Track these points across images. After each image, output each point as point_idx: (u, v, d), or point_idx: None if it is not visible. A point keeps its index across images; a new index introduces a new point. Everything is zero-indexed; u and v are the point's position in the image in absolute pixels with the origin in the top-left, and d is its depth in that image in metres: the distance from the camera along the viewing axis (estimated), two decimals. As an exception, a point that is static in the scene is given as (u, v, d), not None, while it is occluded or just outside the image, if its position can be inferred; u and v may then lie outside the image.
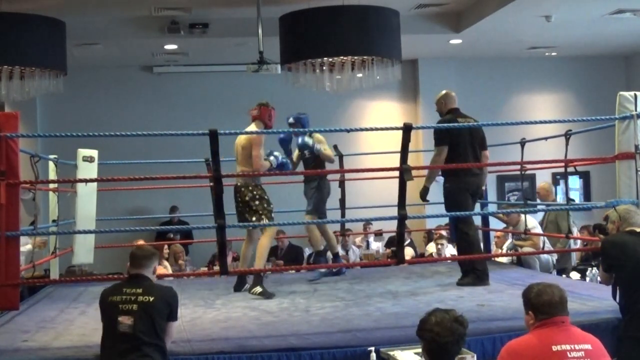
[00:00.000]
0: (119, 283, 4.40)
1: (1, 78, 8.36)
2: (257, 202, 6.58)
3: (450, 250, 9.62)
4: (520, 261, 8.35)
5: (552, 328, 3.48)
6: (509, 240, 9.07)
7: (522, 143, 7.43)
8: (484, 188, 7.42)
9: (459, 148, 6.61)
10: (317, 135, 7.46)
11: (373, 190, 10.52)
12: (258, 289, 6.40)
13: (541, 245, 8.25)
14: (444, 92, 7.11)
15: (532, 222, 8.43)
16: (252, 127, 6.86)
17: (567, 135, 6.58)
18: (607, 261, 4.83)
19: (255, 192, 6.59)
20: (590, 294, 5.72)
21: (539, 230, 8.35)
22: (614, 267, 4.76)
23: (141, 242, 8.59)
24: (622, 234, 4.78)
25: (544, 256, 8.48)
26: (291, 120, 7.51)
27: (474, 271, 6.60)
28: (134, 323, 4.11)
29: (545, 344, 3.41)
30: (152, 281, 4.38)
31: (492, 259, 8.40)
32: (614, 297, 4.81)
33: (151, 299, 4.19)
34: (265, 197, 6.67)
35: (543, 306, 3.53)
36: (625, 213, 4.85)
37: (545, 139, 7.34)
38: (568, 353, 3.37)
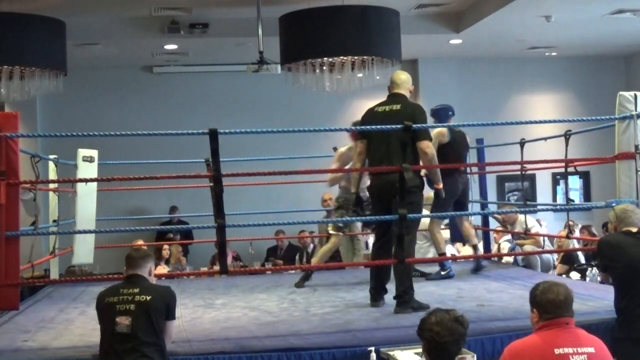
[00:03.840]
0: (116, 284, 4.40)
1: (1, 78, 8.36)
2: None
3: (450, 249, 9.61)
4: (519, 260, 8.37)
5: (556, 330, 3.46)
6: (507, 237, 9.09)
7: (522, 143, 7.43)
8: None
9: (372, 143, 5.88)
10: (437, 130, 7.13)
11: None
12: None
13: (542, 245, 8.27)
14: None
15: (531, 221, 8.44)
16: None
17: (567, 136, 6.58)
18: (603, 261, 4.85)
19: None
20: (590, 294, 5.72)
21: (537, 229, 8.37)
22: (609, 268, 4.77)
23: (140, 242, 8.60)
24: (617, 235, 4.77)
25: (545, 255, 8.50)
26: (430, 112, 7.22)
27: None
28: (132, 323, 4.11)
29: (548, 346, 3.38)
30: (149, 281, 4.39)
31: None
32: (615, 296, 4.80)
33: (148, 298, 4.19)
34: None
35: (547, 305, 3.50)
36: (622, 213, 4.82)
37: (545, 139, 7.34)
38: (571, 356, 3.35)
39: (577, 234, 9.05)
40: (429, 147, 5.67)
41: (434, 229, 7.37)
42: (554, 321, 3.47)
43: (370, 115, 5.94)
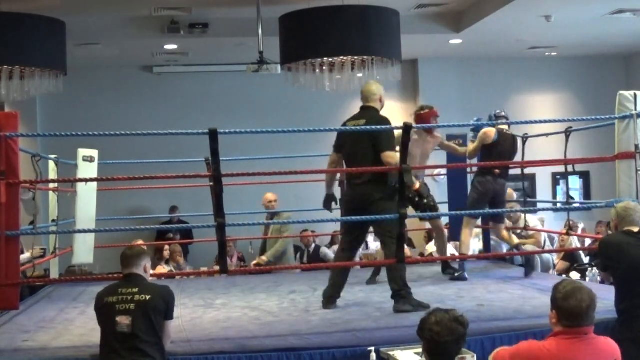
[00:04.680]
0: (114, 284, 4.39)
1: (1, 78, 8.35)
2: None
3: (450, 249, 9.60)
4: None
5: (574, 340, 3.36)
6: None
7: (525, 139, 7.44)
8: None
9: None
10: (485, 131, 7.16)
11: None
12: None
13: (543, 244, 8.27)
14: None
15: (533, 221, 8.43)
16: None
17: (568, 133, 6.58)
18: (603, 261, 4.83)
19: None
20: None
21: (540, 228, 8.37)
22: (609, 268, 4.75)
23: (140, 242, 8.60)
24: (618, 234, 4.75)
25: (545, 255, 8.49)
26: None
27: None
28: (132, 322, 4.12)
29: (562, 358, 3.32)
30: (147, 280, 4.38)
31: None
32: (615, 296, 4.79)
33: (148, 297, 4.19)
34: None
35: (568, 312, 3.37)
36: (624, 211, 4.79)
37: (547, 135, 7.36)
38: None
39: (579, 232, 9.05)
40: (390, 158, 5.65)
41: (462, 229, 7.26)
42: (573, 330, 3.36)
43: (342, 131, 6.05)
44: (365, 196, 5.71)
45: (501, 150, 7.13)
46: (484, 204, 7.11)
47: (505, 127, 7.27)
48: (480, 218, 8.28)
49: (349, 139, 5.86)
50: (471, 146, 7.31)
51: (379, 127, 5.69)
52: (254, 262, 9.24)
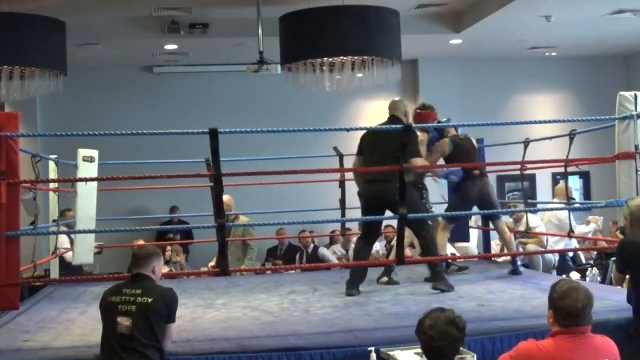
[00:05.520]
0: (120, 283, 4.39)
1: (1, 78, 8.35)
2: None
3: (449, 249, 9.61)
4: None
5: (572, 339, 3.37)
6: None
7: (526, 143, 7.43)
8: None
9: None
10: (438, 144, 7.36)
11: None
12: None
13: (545, 244, 8.26)
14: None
15: (536, 220, 8.43)
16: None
17: (572, 135, 6.58)
18: (624, 262, 4.70)
19: None
20: (590, 294, 5.71)
21: (542, 229, 8.36)
22: (630, 268, 4.65)
23: (141, 242, 8.60)
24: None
25: (547, 255, 8.49)
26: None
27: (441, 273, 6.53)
28: (132, 324, 4.11)
29: (560, 358, 3.33)
30: (154, 281, 4.36)
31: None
32: (629, 301, 4.72)
33: (150, 300, 4.18)
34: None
35: (564, 312, 3.39)
36: (638, 210, 4.67)
37: (550, 138, 7.35)
38: None
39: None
40: (417, 163, 6.16)
41: (438, 233, 7.28)
42: (570, 329, 3.38)
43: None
44: (389, 192, 6.01)
45: (463, 152, 7.20)
46: (464, 209, 7.19)
47: (452, 131, 7.39)
48: (481, 219, 8.32)
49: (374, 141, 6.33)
50: (429, 157, 7.21)
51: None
52: (211, 263, 9.20)
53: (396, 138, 5.83)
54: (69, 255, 8.10)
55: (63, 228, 7.66)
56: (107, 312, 4.24)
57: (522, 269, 7.63)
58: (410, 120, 6.65)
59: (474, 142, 7.50)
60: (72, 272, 8.53)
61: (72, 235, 7.54)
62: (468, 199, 7.22)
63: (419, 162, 6.21)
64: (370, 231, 6.69)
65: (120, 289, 4.28)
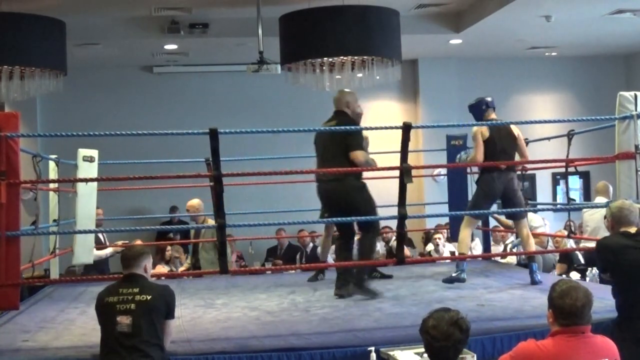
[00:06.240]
0: (114, 284, 4.38)
1: (1, 78, 8.36)
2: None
3: (449, 248, 9.62)
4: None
5: (571, 339, 3.38)
6: (511, 239, 9.07)
7: (526, 143, 7.42)
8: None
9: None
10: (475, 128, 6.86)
11: (373, 190, 10.50)
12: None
13: (546, 245, 8.26)
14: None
15: (538, 221, 8.43)
16: None
17: (570, 135, 6.58)
18: (602, 264, 4.77)
19: None
20: (590, 294, 5.71)
21: (544, 229, 8.36)
22: (609, 270, 4.72)
23: (138, 242, 8.63)
24: (616, 236, 4.68)
25: (548, 255, 8.48)
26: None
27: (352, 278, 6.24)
28: (133, 322, 4.11)
29: (560, 357, 3.33)
30: (148, 280, 4.37)
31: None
32: (614, 296, 4.79)
33: (148, 297, 4.19)
34: None
35: (564, 311, 3.40)
36: (618, 211, 4.71)
37: (549, 139, 7.34)
38: None
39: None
40: (357, 157, 6.01)
41: (462, 228, 6.85)
42: (569, 329, 3.39)
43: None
44: (332, 191, 6.17)
45: (500, 143, 6.68)
46: (488, 204, 6.78)
47: (494, 115, 7.01)
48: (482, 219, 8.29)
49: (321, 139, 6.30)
50: (472, 153, 6.88)
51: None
52: (182, 268, 9.26)
53: (337, 136, 5.99)
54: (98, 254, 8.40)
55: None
56: (105, 313, 4.24)
57: (527, 270, 7.61)
58: (358, 111, 6.44)
59: (516, 131, 6.88)
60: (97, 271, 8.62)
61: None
62: (494, 194, 6.72)
63: (359, 155, 6.04)
64: (343, 231, 6.49)
65: (116, 289, 4.28)
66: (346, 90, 6.62)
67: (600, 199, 7.90)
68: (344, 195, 6.12)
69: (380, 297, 6.02)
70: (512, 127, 6.81)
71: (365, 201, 6.20)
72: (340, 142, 6.05)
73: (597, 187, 8.22)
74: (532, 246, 6.82)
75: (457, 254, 7.34)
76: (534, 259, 6.66)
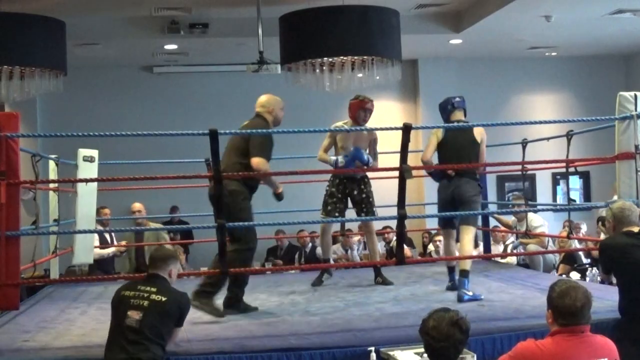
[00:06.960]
0: (136, 281, 4.47)
1: (1, 78, 8.35)
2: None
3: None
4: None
5: (571, 338, 3.39)
6: (511, 239, 9.07)
7: (524, 144, 7.42)
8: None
9: None
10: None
11: (373, 190, 10.53)
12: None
13: (546, 245, 8.26)
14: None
15: (538, 221, 8.43)
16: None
17: (569, 136, 6.58)
18: (606, 264, 4.78)
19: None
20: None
21: (544, 229, 8.36)
22: (612, 270, 4.73)
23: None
24: (619, 236, 4.69)
25: (548, 255, 8.49)
26: None
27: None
28: (142, 318, 4.15)
29: (559, 357, 3.34)
30: (169, 283, 4.40)
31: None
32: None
33: (164, 299, 4.23)
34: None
35: (563, 311, 3.41)
36: (620, 212, 4.74)
37: (547, 139, 7.34)
38: None
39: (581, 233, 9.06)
40: (257, 165, 5.81)
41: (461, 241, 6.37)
42: (569, 329, 3.40)
43: None
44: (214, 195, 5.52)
45: (451, 146, 6.24)
46: (447, 210, 6.27)
47: (460, 116, 6.41)
48: (481, 219, 8.28)
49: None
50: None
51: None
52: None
53: (240, 138, 5.77)
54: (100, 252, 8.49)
55: (99, 227, 8.05)
56: (118, 306, 4.28)
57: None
58: (280, 116, 6.04)
59: (475, 133, 6.28)
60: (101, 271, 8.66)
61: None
62: (446, 200, 6.31)
63: (259, 163, 5.79)
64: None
65: (135, 285, 4.35)
66: (272, 95, 6.15)
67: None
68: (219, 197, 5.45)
69: (224, 320, 5.44)
70: (477, 131, 6.25)
71: (239, 208, 5.69)
72: (244, 144, 5.76)
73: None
74: (468, 255, 6.26)
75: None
76: (467, 275, 5.98)
